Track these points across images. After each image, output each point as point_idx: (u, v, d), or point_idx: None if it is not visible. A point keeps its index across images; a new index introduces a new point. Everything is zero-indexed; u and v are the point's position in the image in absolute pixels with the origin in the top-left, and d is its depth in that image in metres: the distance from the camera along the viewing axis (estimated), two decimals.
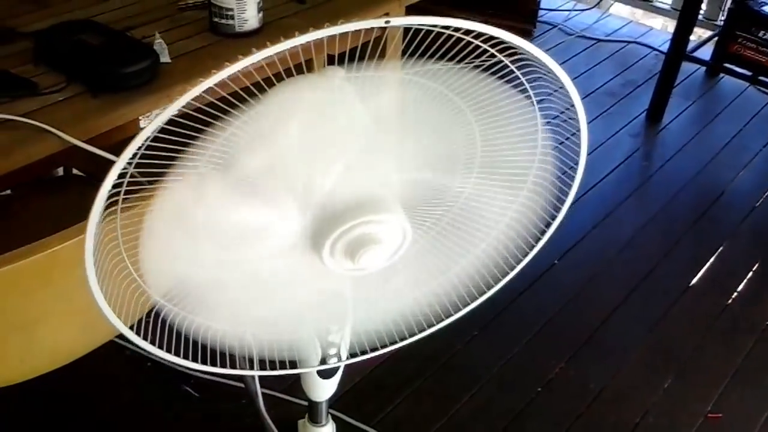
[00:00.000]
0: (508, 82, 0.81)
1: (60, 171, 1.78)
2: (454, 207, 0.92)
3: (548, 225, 0.96)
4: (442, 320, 1.05)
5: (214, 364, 0.98)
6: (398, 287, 0.98)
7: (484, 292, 1.03)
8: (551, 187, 0.91)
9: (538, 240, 0.98)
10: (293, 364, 1.08)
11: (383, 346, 1.06)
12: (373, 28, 0.72)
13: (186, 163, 0.75)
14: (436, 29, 0.74)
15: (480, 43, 0.75)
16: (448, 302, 1.02)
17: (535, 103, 0.82)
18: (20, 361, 1.16)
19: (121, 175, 0.73)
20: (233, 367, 1.00)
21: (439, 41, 0.75)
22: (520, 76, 0.79)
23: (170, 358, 0.95)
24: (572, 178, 0.90)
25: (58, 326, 1.14)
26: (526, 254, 0.99)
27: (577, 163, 0.88)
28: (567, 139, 0.86)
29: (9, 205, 1.56)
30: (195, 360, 0.97)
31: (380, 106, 0.80)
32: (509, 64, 0.77)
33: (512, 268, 1.01)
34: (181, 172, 0.76)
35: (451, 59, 0.77)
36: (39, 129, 1.21)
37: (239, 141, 0.75)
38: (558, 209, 0.95)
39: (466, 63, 0.78)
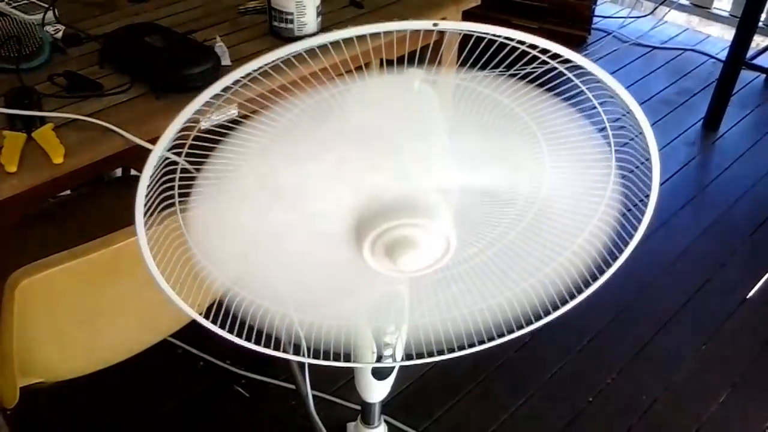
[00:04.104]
0: (559, 91, 0.79)
1: (118, 172, 1.82)
2: (523, 221, 0.91)
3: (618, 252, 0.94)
4: (504, 335, 1.04)
5: (268, 347, 1.00)
6: (455, 297, 0.98)
7: (546, 312, 1.01)
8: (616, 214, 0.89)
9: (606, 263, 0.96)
10: (348, 359, 1.09)
11: (439, 353, 1.05)
12: (430, 32, 0.72)
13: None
14: (488, 36, 0.72)
15: (538, 54, 0.74)
16: (511, 317, 1.00)
17: (598, 105, 0.81)
18: (85, 354, 1.19)
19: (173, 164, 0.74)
20: (287, 352, 1.01)
21: (492, 48, 0.74)
22: (580, 85, 0.77)
23: (235, 339, 0.97)
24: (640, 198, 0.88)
25: (121, 321, 1.17)
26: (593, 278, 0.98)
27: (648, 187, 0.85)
28: (631, 140, 0.84)
29: (72, 204, 1.60)
30: (255, 343, 0.99)
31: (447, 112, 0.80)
32: (565, 72, 0.75)
33: (577, 291, 0.99)
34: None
35: (502, 65, 0.75)
36: (103, 129, 1.24)
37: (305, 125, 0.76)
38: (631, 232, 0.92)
39: (517, 69, 0.77)
